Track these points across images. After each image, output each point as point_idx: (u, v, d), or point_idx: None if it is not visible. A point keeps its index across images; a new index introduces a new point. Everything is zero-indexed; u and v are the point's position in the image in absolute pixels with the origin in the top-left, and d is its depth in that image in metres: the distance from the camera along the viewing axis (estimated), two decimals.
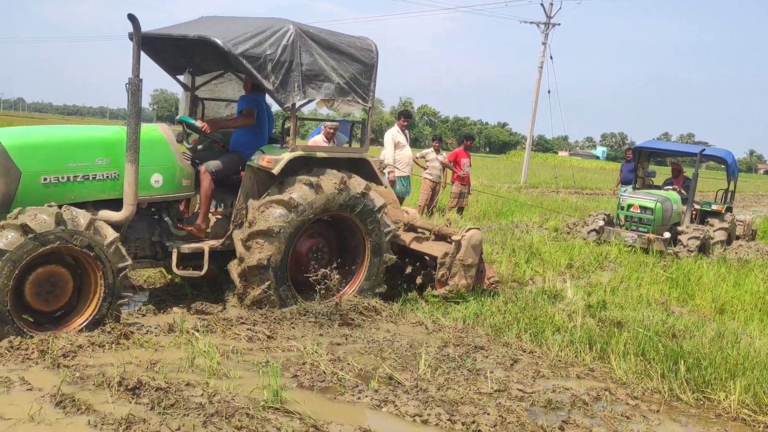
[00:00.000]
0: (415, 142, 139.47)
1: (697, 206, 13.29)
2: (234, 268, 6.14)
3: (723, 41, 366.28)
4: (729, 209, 13.58)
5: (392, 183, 11.38)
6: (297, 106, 6.25)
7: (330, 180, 6.28)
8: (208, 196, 6.28)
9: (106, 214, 5.58)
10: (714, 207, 13.35)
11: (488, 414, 4.35)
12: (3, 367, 4.39)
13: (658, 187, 13.79)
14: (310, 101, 6.38)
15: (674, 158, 15.54)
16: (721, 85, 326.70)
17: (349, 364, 5.06)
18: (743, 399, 4.89)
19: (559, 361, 5.67)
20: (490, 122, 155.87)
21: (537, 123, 35.88)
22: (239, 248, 6.07)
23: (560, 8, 32.09)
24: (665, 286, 8.55)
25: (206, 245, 6.20)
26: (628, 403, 4.87)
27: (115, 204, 5.68)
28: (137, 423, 3.73)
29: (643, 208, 12.16)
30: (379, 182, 7.00)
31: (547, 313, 6.67)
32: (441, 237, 7.34)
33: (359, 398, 4.49)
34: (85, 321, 5.13)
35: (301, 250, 6.46)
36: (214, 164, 6.33)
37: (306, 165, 6.41)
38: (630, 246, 11.53)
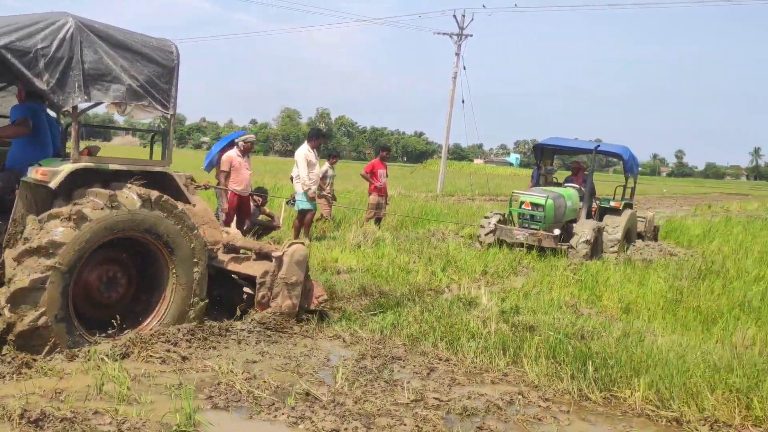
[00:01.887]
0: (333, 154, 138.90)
1: (597, 203, 13.36)
2: (1, 294, 5.07)
3: (631, 54, 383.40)
4: (628, 206, 13.62)
5: (313, 199, 11.36)
6: (79, 109, 5.50)
7: (123, 196, 5.45)
8: None
9: None
10: (612, 204, 13.31)
11: (405, 425, 4.37)
12: None
13: (560, 185, 13.71)
14: (96, 104, 5.69)
15: (573, 155, 15.94)
16: (627, 95, 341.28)
17: (265, 381, 4.99)
18: (647, 395, 5.09)
19: (475, 367, 5.75)
20: (407, 132, 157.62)
21: (452, 132, 36.42)
22: (8, 270, 5.11)
23: (472, 20, 32.54)
24: (575, 289, 8.82)
25: None
26: (540, 406, 4.99)
27: None
28: None
29: (534, 205, 12.07)
30: (186, 200, 6.17)
31: (462, 321, 6.77)
32: (263, 256, 6.74)
33: (275, 416, 4.44)
34: None
35: (90, 279, 5.60)
36: None
37: (100, 179, 5.66)
38: (521, 243, 11.65)
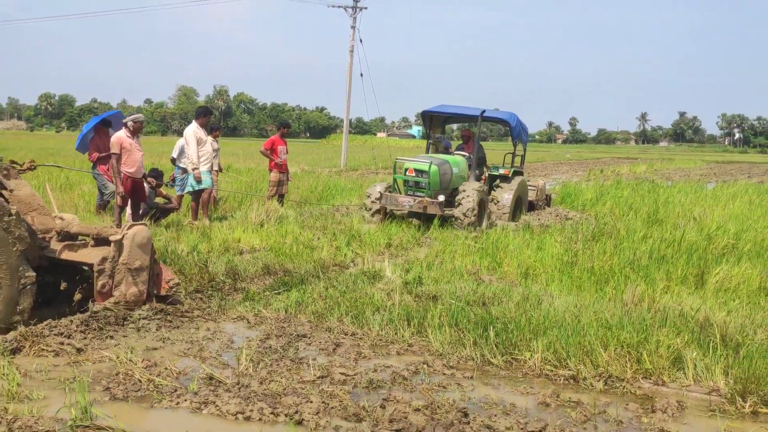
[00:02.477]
0: (234, 131, 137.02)
1: (487, 171, 13.53)
2: None
3: (525, 21, 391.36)
4: (518, 173, 13.72)
5: (199, 180, 11.05)
6: None
7: None
8: None
9: None
10: (501, 171, 13.42)
11: (311, 402, 4.36)
12: None
13: (449, 153, 13.65)
14: None
15: (461, 123, 16.28)
16: (525, 64, 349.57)
17: (166, 368, 4.86)
18: (546, 356, 5.27)
19: (380, 340, 5.80)
20: (309, 107, 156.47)
21: (353, 106, 36.36)
22: None
23: None
24: (476, 257, 9.02)
25: None
26: (444, 374, 5.09)
27: None
28: None
29: (419, 172, 11.97)
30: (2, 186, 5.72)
31: (367, 294, 6.80)
32: (101, 241, 6.17)
33: (178, 403, 4.33)
34: None
35: None
36: None
37: None
38: (406, 211, 11.59)
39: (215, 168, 13.00)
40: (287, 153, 13.55)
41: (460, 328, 5.80)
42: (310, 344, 5.60)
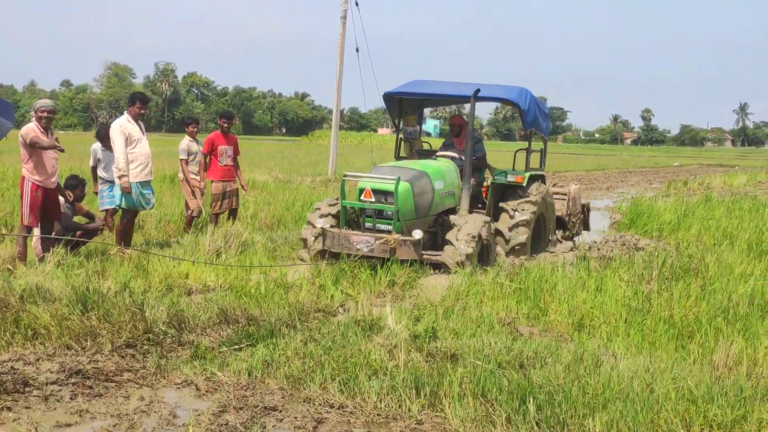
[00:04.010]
0: (181, 125, 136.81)
1: (489, 179, 12.35)
2: None
3: None
4: (536, 178, 12.54)
5: (127, 191, 11.03)
6: None
7: None
8: None
9: None
10: (510, 178, 12.01)
11: None
12: None
13: (431, 155, 12.71)
14: None
15: (450, 108, 15.56)
16: (574, 34, 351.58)
17: None
18: None
19: (378, 415, 5.80)
20: (285, 93, 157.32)
21: (346, 92, 36.41)
22: None
23: None
24: (512, 301, 9.04)
25: None
26: None
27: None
28: None
29: (381, 193, 10.47)
30: None
31: (361, 351, 6.81)
32: None
33: None
34: None
35: None
36: None
37: None
38: (364, 257, 10.31)
39: (194, 183, 13.17)
40: (237, 154, 13.67)
41: (489, 400, 5.80)
42: (281, 420, 5.62)
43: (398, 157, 12.96)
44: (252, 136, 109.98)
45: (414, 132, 13.24)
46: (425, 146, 13.94)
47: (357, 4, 28.60)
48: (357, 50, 37.89)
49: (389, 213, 10.48)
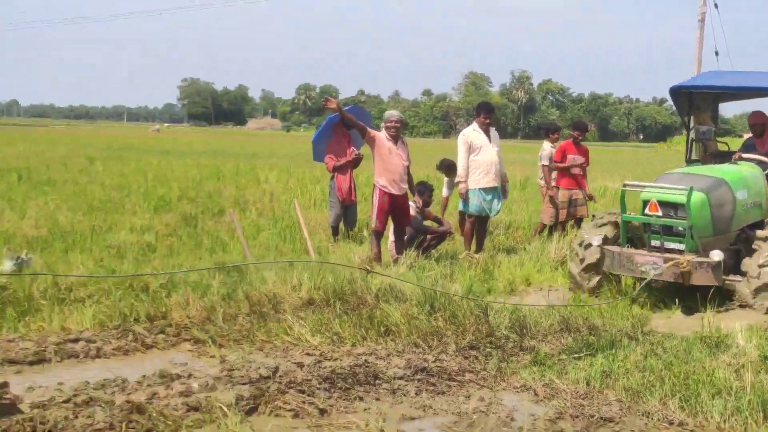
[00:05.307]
0: (536, 131, 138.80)
1: None
2: None
3: None
4: None
5: (464, 198, 11.46)
6: None
7: None
8: None
9: None
10: None
11: None
12: None
13: (728, 157, 10.78)
14: None
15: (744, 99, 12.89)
16: None
17: None
18: None
19: None
20: (642, 99, 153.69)
21: None
22: None
23: None
24: None
25: None
26: None
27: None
28: None
29: (669, 206, 9.12)
30: None
31: (704, 369, 6.60)
32: None
33: None
34: None
35: None
36: None
37: None
38: (651, 282, 9.18)
39: (547, 191, 13.60)
40: (587, 165, 13.85)
41: None
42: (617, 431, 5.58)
43: (689, 162, 11.31)
44: (607, 143, 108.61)
45: (708, 132, 11.08)
46: (722, 147, 11.76)
47: (716, 6, 27.32)
48: (716, 53, 35.46)
49: (680, 229, 9.11)
